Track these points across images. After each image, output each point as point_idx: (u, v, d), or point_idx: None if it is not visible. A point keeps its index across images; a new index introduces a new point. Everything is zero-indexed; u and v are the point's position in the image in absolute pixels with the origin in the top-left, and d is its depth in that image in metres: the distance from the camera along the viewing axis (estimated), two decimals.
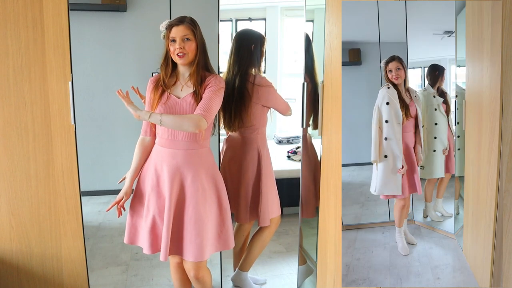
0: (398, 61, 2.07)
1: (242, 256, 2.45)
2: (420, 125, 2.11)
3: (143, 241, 1.92)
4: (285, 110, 2.38)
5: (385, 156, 2.07)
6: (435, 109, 2.09)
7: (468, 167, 1.84)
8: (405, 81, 2.11)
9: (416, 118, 2.13)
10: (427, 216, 2.20)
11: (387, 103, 2.08)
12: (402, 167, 2.05)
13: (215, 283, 2.33)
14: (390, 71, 2.08)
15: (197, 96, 1.85)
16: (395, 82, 2.08)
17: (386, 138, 2.07)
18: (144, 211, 1.92)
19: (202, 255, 1.88)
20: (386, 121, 2.08)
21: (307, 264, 2.35)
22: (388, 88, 2.10)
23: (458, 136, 1.97)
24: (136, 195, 1.96)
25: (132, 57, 2.94)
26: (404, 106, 2.09)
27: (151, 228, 1.90)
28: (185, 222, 1.88)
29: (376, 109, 2.08)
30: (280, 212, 2.38)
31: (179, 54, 1.83)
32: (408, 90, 2.13)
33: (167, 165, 1.87)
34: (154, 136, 1.96)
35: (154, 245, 1.91)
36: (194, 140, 1.88)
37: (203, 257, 1.89)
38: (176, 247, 1.91)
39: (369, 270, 2.00)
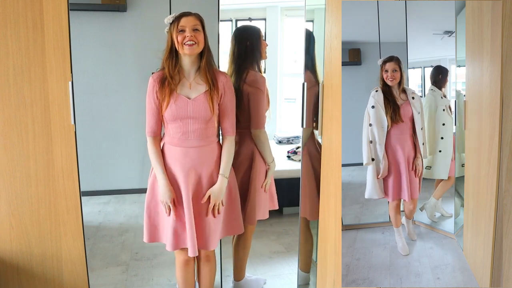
0: (396, 62, 2.04)
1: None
2: (418, 127, 2.07)
3: (167, 239, 1.94)
4: (256, 124, 2.19)
5: (372, 159, 2.09)
6: (443, 110, 2.07)
7: (468, 167, 1.84)
8: (401, 82, 2.07)
9: (412, 120, 2.08)
10: (423, 210, 2.20)
11: (372, 107, 2.09)
12: (384, 173, 2.08)
13: (215, 283, 2.33)
14: (386, 71, 2.05)
15: (212, 94, 1.86)
16: (389, 83, 2.05)
17: (371, 142, 2.09)
18: (164, 209, 1.93)
19: (214, 243, 1.98)
20: (370, 125, 2.09)
21: (308, 274, 2.36)
22: (376, 91, 2.08)
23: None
24: (151, 194, 1.96)
25: (132, 57, 2.95)
26: (394, 109, 2.05)
27: (174, 225, 1.91)
28: (204, 217, 1.93)
29: (366, 112, 2.09)
30: (267, 217, 2.33)
31: (188, 43, 1.81)
32: (404, 90, 2.09)
33: (180, 163, 1.89)
34: (161, 134, 1.96)
35: (176, 241, 1.93)
36: (204, 137, 1.90)
37: (214, 246, 1.98)
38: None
39: (369, 270, 2.00)
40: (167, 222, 1.93)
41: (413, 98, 2.06)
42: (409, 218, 2.18)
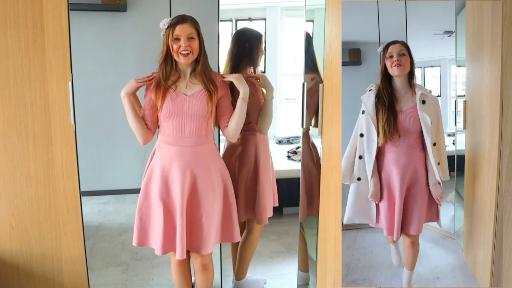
0: (403, 45, 1.60)
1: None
2: (428, 142, 1.54)
3: (157, 242, 1.91)
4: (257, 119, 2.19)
5: (358, 179, 1.64)
6: None
7: (468, 167, 1.84)
8: (411, 73, 1.59)
9: (421, 132, 1.53)
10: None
11: (363, 112, 1.61)
12: (375, 198, 1.64)
13: (215, 283, 2.33)
14: (391, 56, 1.58)
15: (210, 93, 1.87)
16: (395, 72, 1.57)
17: (360, 157, 1.62)
18: (155, 211, 1.91)
19: (207, 247, 1.93)
20: (361, 135, 1.61)
21: (307, 274, 2.36)
22: (370, 90, 1.63)
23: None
24: (144, 196, 1.94)
25: (132, 57, 2.94)
26: (388, 118, 1.53)
27: (164, 229, 1.89)
28: (197, 218, 1.90)
29: (359, 117, 1.64)
30: (271, 215, 2.35)
31: (183, 53, 1.82)
32: (414, 89, 1.58)
33: (176, 163, 1.87)
34: (151, 130, 1.94)
35: (166, 246, 1.91)
36: (201, 135, 1.89)
37: (208, 250, 1.93)
38: (187, 243, 1.92)
39: (369, 270, 2.00)
40: (157, 225, 1.90)
41: (423, 102, 1.53)
42: (409, 269, 1.76)
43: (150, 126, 1.93)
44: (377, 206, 1.67)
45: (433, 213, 1.70)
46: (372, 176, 1.60)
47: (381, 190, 1.62)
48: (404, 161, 1.58)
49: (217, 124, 2.03)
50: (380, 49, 1.65)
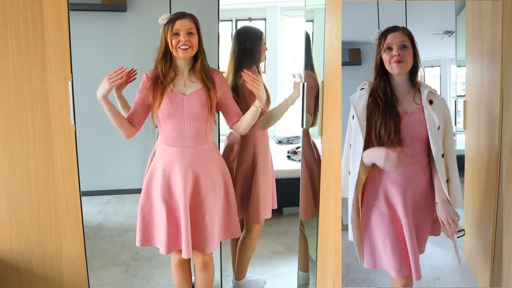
0: (404, 33, 1.26)
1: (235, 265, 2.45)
2: (437, 152, 1.22)
3: (161, 242, 1.91)
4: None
5: None
6: None
7: (468, 167, 1.84)
8: (414, 68, 1.30)
9: (427, 141, 1.21)
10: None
11: (353, 117, 1.28)
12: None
13: (215, 283, 2.33)
14: (389, 48, 1.27)
15: (209, 91, 1.86)
16: (394, 71, 1.27)
17: (349, 172, 1.27)
18: (158, 211, 1.91)
19: (212, 246, 1.94)
20: (351, 145, 1.26)
21: (308, 274, 2.36)
22: (362, 89, 1.31)
23: None
24: (146, 196, 1.94)
25: (132, 57, 2.94)
26: (387, 123, 1.20)
27: (167, 228, 1.89)
28: (200, 218, 1.90)
29: (348, 123, 1.31)
30: (270, 216, 2.34)
31: (182, 47, 1.81)
32: (419, 89, 1.29)
33: (178, 164, 1.87)
34: (135, 127, 1.93)
35: (170, 245, 1.91)
36: (201, 136, 1.89)
37: (212, 248, 1.94)
38: (192, 242, 1.92)
39: (369, 270, 2.00)
40: (161, 225, 1.91)
41: (430, 102, 1.24)
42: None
43: (135, 122, 1.92)
44: (370, 241, 1.31)
45: (435, 227, 1.44)
46: (353, 194, 1.09)
47: (376, 217, 1.29)
48: (407, 177, 1.22)
49: (216, 122, 2.03)
50: (375, 36, 1.32)
